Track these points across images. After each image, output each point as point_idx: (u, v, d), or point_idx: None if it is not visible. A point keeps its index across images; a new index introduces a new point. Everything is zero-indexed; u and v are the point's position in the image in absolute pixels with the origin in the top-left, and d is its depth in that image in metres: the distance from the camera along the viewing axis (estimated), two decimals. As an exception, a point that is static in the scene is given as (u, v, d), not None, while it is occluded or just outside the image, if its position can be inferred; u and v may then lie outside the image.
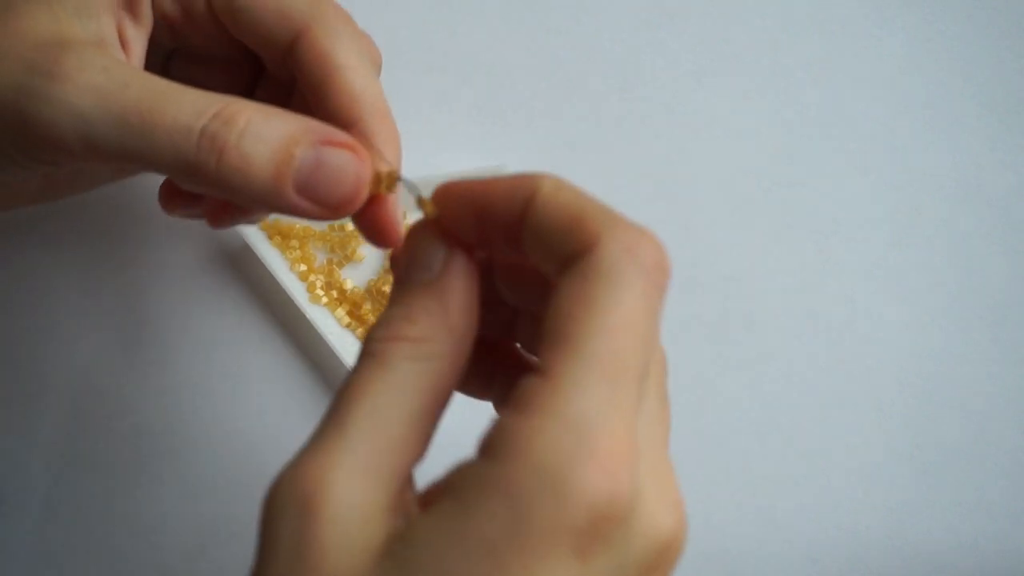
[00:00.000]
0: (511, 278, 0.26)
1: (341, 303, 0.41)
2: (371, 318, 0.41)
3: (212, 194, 0.26)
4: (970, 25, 0.46)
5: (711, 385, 0.42)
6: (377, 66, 0.31)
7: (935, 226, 0.44)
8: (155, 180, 0.41)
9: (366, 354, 0.23)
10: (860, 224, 0.44)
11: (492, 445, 0.20)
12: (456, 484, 0.20)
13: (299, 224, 0.41)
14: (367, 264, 0.42)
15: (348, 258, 0.42)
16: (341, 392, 0.23)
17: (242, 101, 0.25)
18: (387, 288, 0.41)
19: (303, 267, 0.41)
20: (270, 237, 0.41)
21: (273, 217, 0.41)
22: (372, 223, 0.28)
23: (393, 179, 0.26)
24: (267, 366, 0.41)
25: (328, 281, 0.41)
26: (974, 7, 0.47)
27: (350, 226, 0.42)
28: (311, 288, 0.41)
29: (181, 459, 0.40)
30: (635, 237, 0.22)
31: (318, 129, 0.25)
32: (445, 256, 0.24)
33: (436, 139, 0.43)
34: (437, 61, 0.45)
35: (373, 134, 0.27)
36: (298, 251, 0.41)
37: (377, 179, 0.26)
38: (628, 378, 0.21)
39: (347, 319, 0.41)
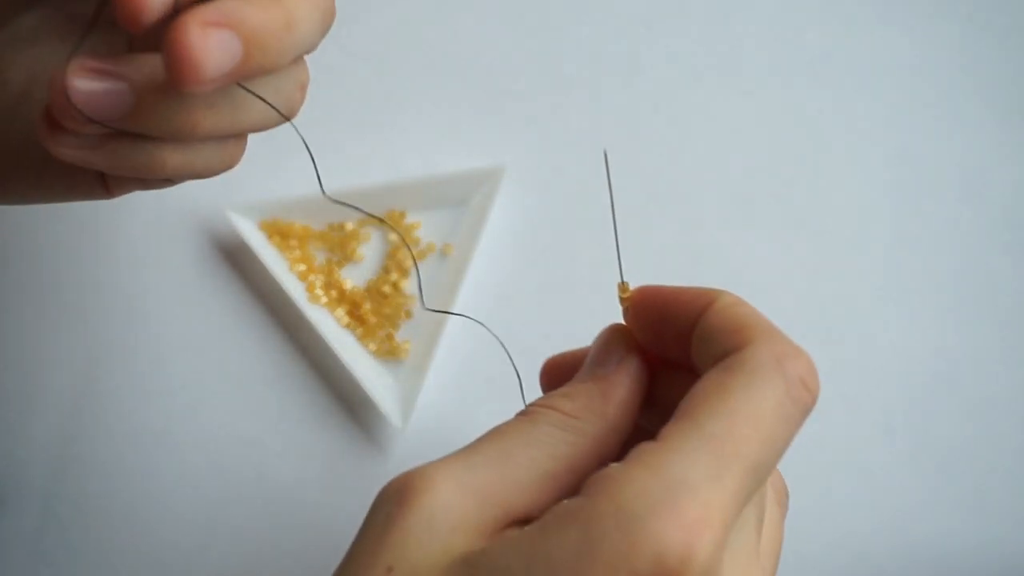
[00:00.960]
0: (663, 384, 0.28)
1: (340, 303, 0.41)
2: (371, 318, 0.41)
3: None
4: (973, 24, 0.46)
5: (711, 385, 0.42)
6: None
7: (938, 225, 0.44)
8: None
9: (519, 413, 0.24)
10: (862, 223, 0.44)
11: (588, 485, 0.21)
12: (545, 515, 0.21)
13: (299, 224, 0.41)
14: (367, 264, 0.42)
15: (348, 258, 0.42)
16: (486, 433, 0.24)
17: None
18: (387, 288, 0.41)
19: (302, 267, 0.41)
20: (269, 237, 0.41)
21: (273, 216, 0.41)
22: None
23: None
24: (266, 366, 0.41)
25: (327, 281, 0.41)
26: (976, 6, 0.46)
27: (350, 225, 0.42)
28: (310, 288, 0.41)
29: (180, 459, 0.40)
30: (788, 349, 0.23)
31: None
32: (623, 356, 0.26)
33: (436, 139, 0.43)
34: (437, 61, 0.44)
35: None
36: (297, 251, 0.41)
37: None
38: (740, 466, 0.21)
39: (346, 319, 0.41)
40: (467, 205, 0.42)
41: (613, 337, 0.26)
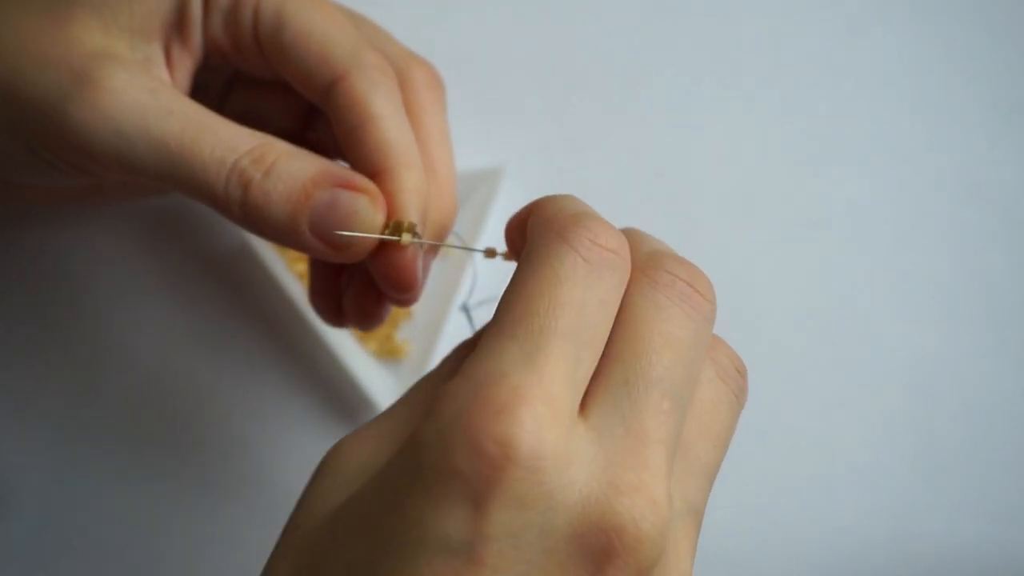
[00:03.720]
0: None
1: (340, 303, 0.41)
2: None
3: (236, 223, 0.27)
4: (973, 24, 0.46)
5: (712, 385, 0.42)
6: (438, 90, 0.32)
7: (937, 225, 0.44)
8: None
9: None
10: (862, 223, 0.44)
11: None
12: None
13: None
14: (367, 264, 0.42)
15: (348, 258, 0.42)
16: None
17: (276, 142, 0.27)
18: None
19: (302, 266, 0.41)
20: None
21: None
22: (386, 270, 0.29)
23: (411, 229, 0.28)
24: (265, 367, 0.41)
25: (328, 281, 0.41)
26: (976, 6, 0.46)
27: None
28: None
29: (180, 459, 0.40)
30: (567, 220, 0.23)
31: (339, 172, 0.27)
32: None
33: (436, 139, 0.43)
34: (437, 61, 0.44)
35: (400, 184, 0.28)
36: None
37: (396, 227, 0.27)
38: (548, 340, 0.21)
39: (347, 319, 0.41)
40: (467, 205, 0.42)
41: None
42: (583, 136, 0.44)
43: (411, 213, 0.28)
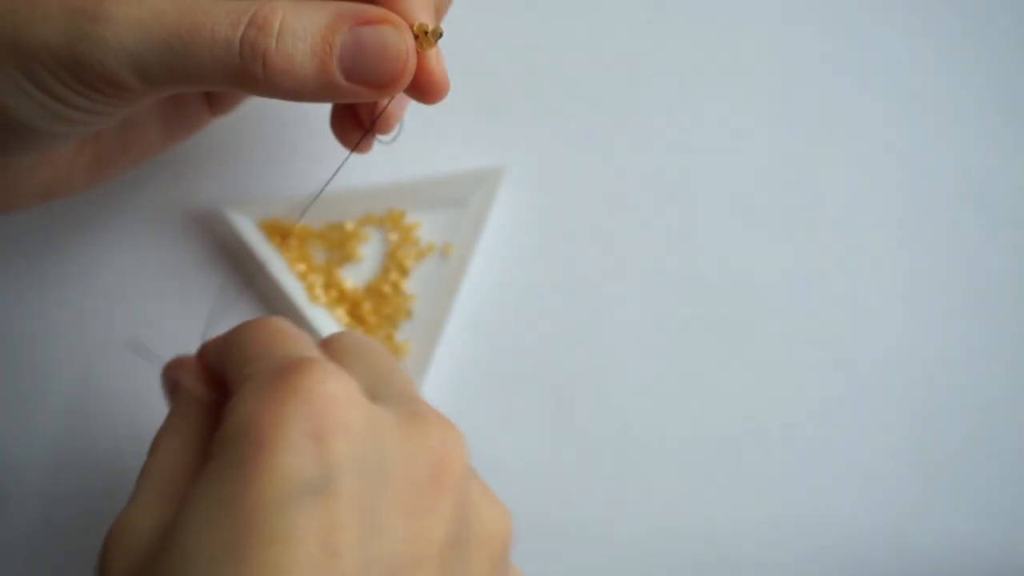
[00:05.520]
0: None
1: (340, 303, 0.41)
2: (371, 318, 0.41)
3: (268, 96, 0.27)
4: (974, 24, 0.46)
5: (712, 386, 0.42)
6: None
7: (939, 226, 0.44)
8: (157, 178, 0.41)
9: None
10: (863, 224, 0.44)
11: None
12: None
13: (298, 223, 0.41)
14: (367, 264, 0.42)
15: (347, 258, 0.42)
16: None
17: (272, 1, 0.26)
18: (387, 288, 0.41)
19: (302, 266, 0.41)
20: (269, 236, 0.41)
21: (272, 215, 0.41)
22: (420, 83, 0.28)
23: (436, 33, 0.27)
24: (266, 366, 0.41)
25: (327, 281, 0.41)
26: (977, 6, 0.46)
27: (350, 225, 0.42)
28: (310, 288, 0.41)
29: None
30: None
31: (349, 11, 0.26)
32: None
33: (436, 139, 0.43)
34: None
35: None
36: (297, 250, 0.41)
37: (420, 40, 0.26)
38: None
39: (347, 319, 0.41)
40: (467, 205, 0.42)
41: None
42: (583, 136, 0.44)
43: (425, 13, 0.27)
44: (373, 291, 0.41)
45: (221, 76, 0.26)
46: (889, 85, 0.45)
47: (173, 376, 0.30)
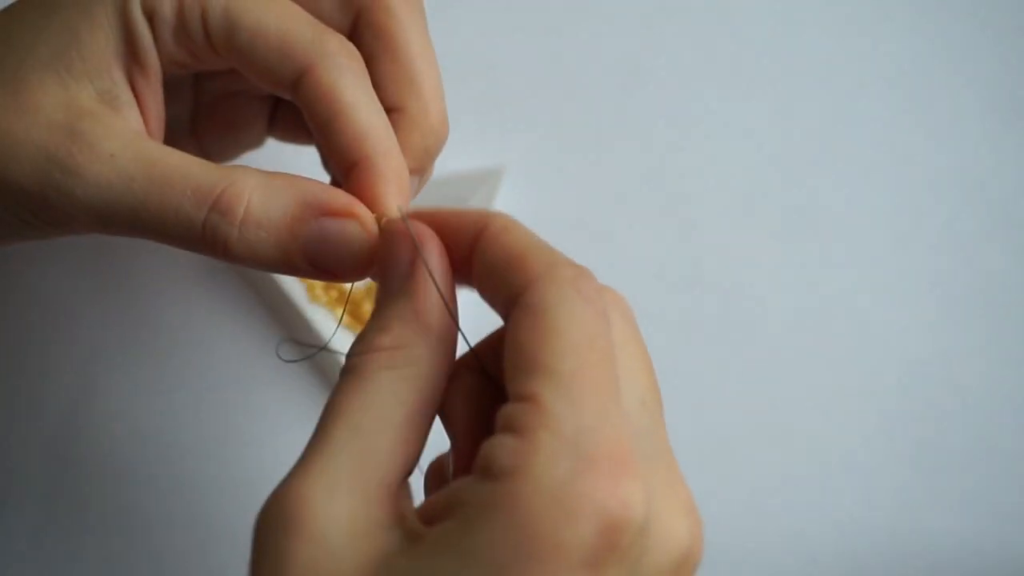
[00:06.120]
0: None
1: (340, 303, 0.41)
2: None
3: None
4: (972, 25, 0.46)
5: (712, 385, 0.42)
6: (437, 82, 0.31)
7: (936, 226, 0.44)
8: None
9: (345, 370, 0.23)
10: (861, 224, 0.44)
11: (490, 466, 0.20)
12: (457, 504, 0.20)
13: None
14: (367, 264, 0.42)
15: (348, 258, 0.42)
16: (324, 411, 0.23)
17: (241, 180, 0.26)
18: (387, 288, 0.41)
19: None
20: (270, 237, 0.41)
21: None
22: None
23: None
24: (266, 366, 0.41)
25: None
26: (976, 6, 0.46)
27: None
28: (311, 288, 0.41)
29: (180, 459, 0.40)
30: (575, 273, 0.23)
31: (317, 199, 0.26)
32: (410, 255, 0.24)
33: (436, 139, 0.43)
34: (437, 61, 0.44)
35: (379, 173, 0.27)
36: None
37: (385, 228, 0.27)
38: (609, 390, 0.21)
39: (346, 319, 0.41)
40: (467, 205, 0.42)
41: (390, 240, 0.25)
42: (583, 136, 0.44)
43: (393, 204, 0.27)
44: (373, 291, 0.41)
45: (183, 245, 0.26)
46: (889, 85, 0.45)
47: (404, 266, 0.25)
